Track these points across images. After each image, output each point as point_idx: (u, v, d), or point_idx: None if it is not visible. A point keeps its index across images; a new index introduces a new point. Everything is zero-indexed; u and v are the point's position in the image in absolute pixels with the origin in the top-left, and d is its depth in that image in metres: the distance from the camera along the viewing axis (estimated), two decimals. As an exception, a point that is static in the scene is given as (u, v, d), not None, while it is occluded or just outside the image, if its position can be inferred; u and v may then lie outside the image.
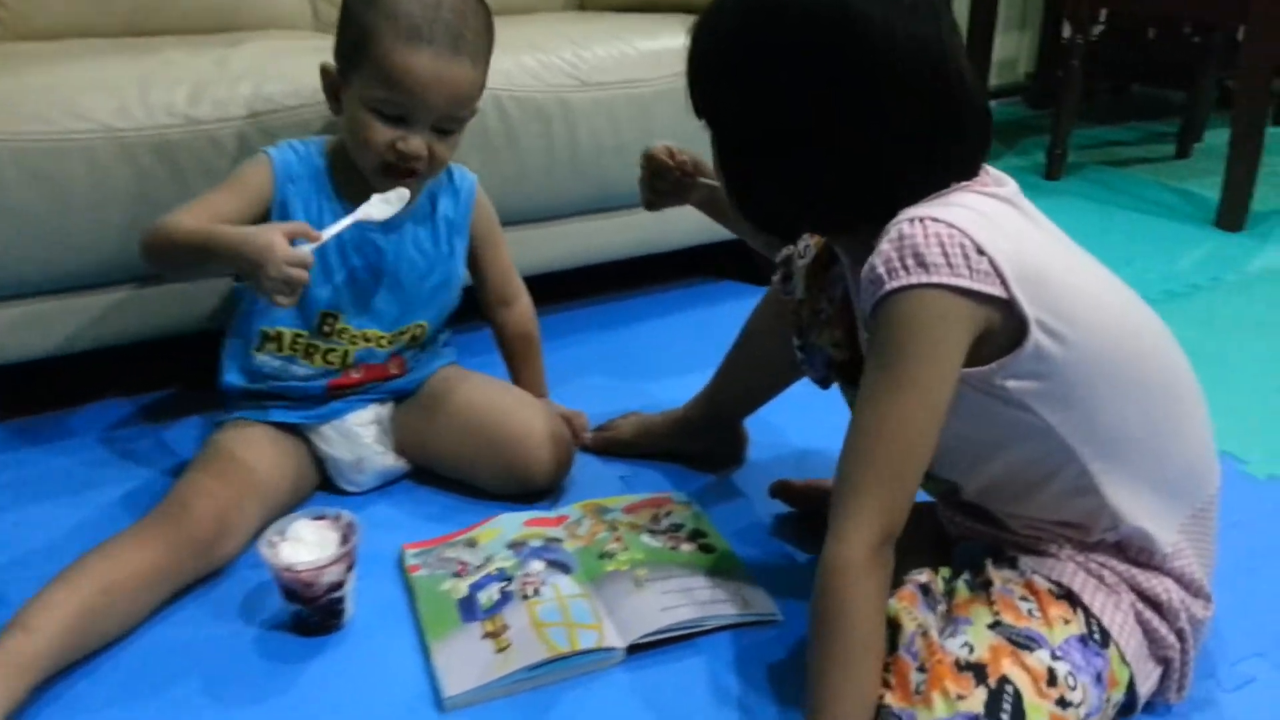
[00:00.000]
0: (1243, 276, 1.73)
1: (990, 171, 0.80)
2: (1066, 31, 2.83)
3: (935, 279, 0.69)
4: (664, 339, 1.52)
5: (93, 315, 1.21)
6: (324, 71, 1.03)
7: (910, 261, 0.70)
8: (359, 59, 0.97)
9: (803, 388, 1.09)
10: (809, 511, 1.06)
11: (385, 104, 0.97)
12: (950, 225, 0.70)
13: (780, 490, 1.07)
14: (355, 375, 1.10)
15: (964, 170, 0.76)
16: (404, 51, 0.94)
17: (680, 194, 1.04)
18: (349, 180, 1.05)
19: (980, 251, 0.70)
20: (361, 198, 1.00)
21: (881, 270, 0.71)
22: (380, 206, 0.99)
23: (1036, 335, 0.71)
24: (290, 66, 1.23)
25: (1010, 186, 0.79)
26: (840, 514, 0.72)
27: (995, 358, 0.72)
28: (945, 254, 0.69)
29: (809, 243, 0.94)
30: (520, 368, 1.22)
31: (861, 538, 0.70)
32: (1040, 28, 2.97)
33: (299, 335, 1.06)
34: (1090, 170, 2.36)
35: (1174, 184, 2.26)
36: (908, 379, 0.71)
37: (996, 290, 0.70)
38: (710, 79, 0.78)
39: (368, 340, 1.08)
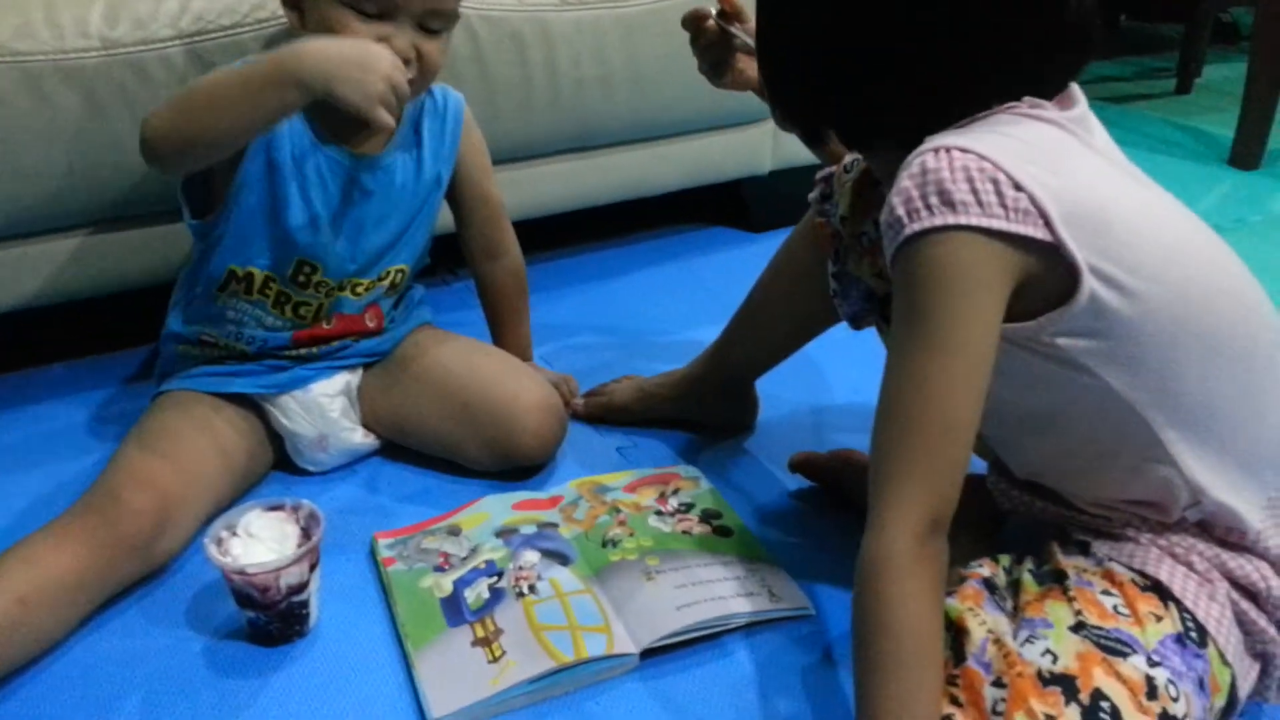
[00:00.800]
0: (1267, 217, 1.65)
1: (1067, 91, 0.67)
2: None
3: (963, 220, 0.59)
4: (653, 291, 1.40)
5: (23, 269, 1.06)
6: None
7: (934, 199, 0.60)
8: None
9: (817, 341, 0.98)
10: (835, 486, 0.95)
11: None
12: (981, 156, 0.60)
13: (802, 464, 0.96)
14: (326, 326, 0.97)
15: (1036, 92, 0.64)
16: None
17: (729, 62, 0.89)
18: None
19: (1018, 187, 0.59)
20: (335, 125, 0.89)
21: (901, 210, 0.60)
22: None
23: (1092, 284, 0.60)
24: (223, -22, 1.07)
25: (1078, 109, 0.67)
26: (877, 500, 0.62)
27: (1043, 311, 0.62)
28: (974, 190, 0.59)
29: (857, 156, 0.82)
30: (504, 330, 1.10)
31: (904, 525, 0.61)
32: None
33: (271, 279, 0.92)
34: (1091, 107, 2.25)
35: (1180, 120, 2.18)
36: (939, 339, 0.61)
37: (1038, 232, 0.59)
38: None
39: (342, 290, 0.96)
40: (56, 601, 0.75)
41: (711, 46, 0.87)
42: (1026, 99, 0.65)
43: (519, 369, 1.02)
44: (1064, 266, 0.60)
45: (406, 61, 0.84)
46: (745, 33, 0.86)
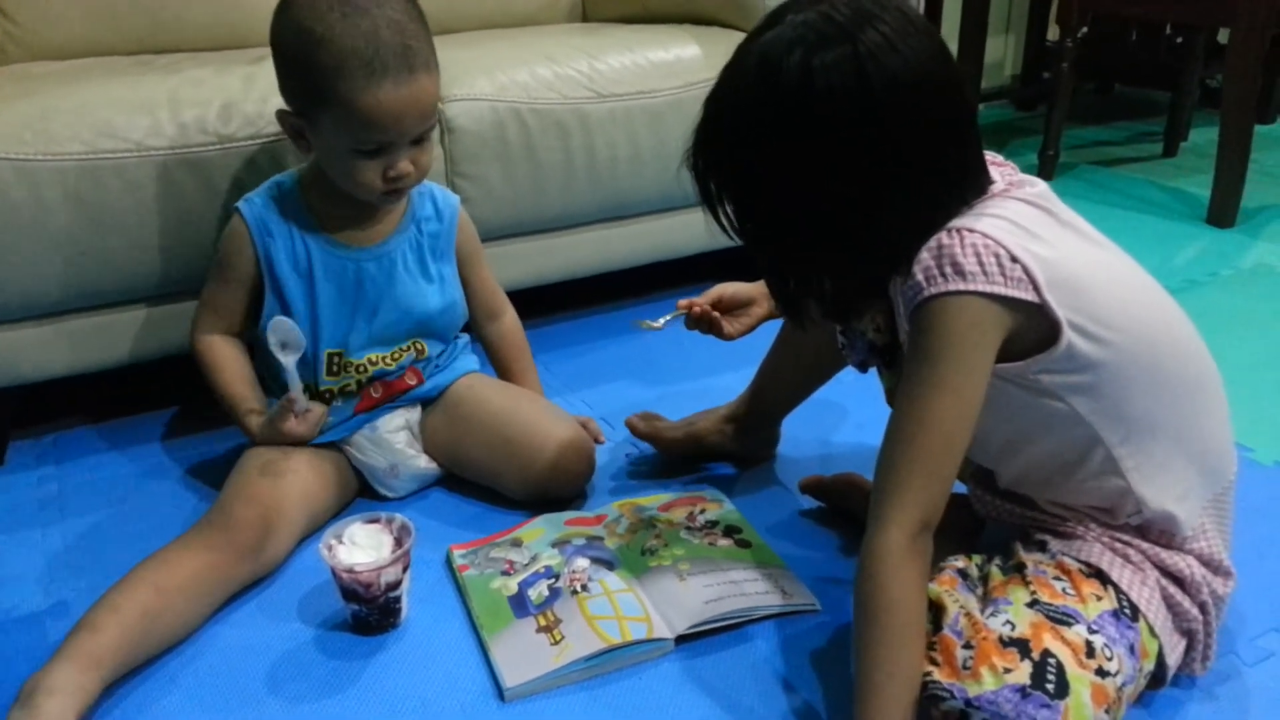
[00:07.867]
0: (1238, 271, 1.78)
1: (1018, 173, 0.84)
2: (1052, 35, 2.90)
3: (971, 286, 0.73)
4: (679, 342, 1.54)
5: (129, 331, 1.23)
6: (282, 117, 1.03)
7: (948, 270, 0.74)
8: (321, 105, 0.97)
9: (823, 390, 1.14)
10: (839, 505, 1.10)
11: (363, 143, 0.98)
12: (985, 235, 0.75)
13: (812, 486, 1.11)
14: (375, 395, 1.12)
15: (982, 184, 0.80)
16: (365, 93, 0.94)
17: (742, 318, 1.09)
18: (326, 206, 1.07)
19: (1014, 259, 0.74)
20: (342, 224, 1.07)
21: (921, 278, 0.75)
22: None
23: (1070, 336, 0.75)
24: (316, 83, 1.25)
25: (1040, 187, 0.82)
26: (881, 503, 0.76)
27: (1029, 354, 0.76)
28: (981, 263, 0.74)
29: None
30: (517, 377, 1.23)
31: (901, 525, 0.75)
32: (1026, 30, 3.03)
33: (305, 385, 1.08)
34: (1082, 170, 2.41)
35: (1164, 182, 2.30)
36: (944, 380, 0.75)
37: (1029, 295, 0.74)
38: (751, 182, 0.79)
39: (373, 364, 1.11)
40: (186, 593, 0.90)
41: (698, 324, 1.08)
42: (1016, 183, 0.80)
43: (554, 414, 1.14)
44: (1047, 321, 0.74)
45: (407, 176, 1.01)
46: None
